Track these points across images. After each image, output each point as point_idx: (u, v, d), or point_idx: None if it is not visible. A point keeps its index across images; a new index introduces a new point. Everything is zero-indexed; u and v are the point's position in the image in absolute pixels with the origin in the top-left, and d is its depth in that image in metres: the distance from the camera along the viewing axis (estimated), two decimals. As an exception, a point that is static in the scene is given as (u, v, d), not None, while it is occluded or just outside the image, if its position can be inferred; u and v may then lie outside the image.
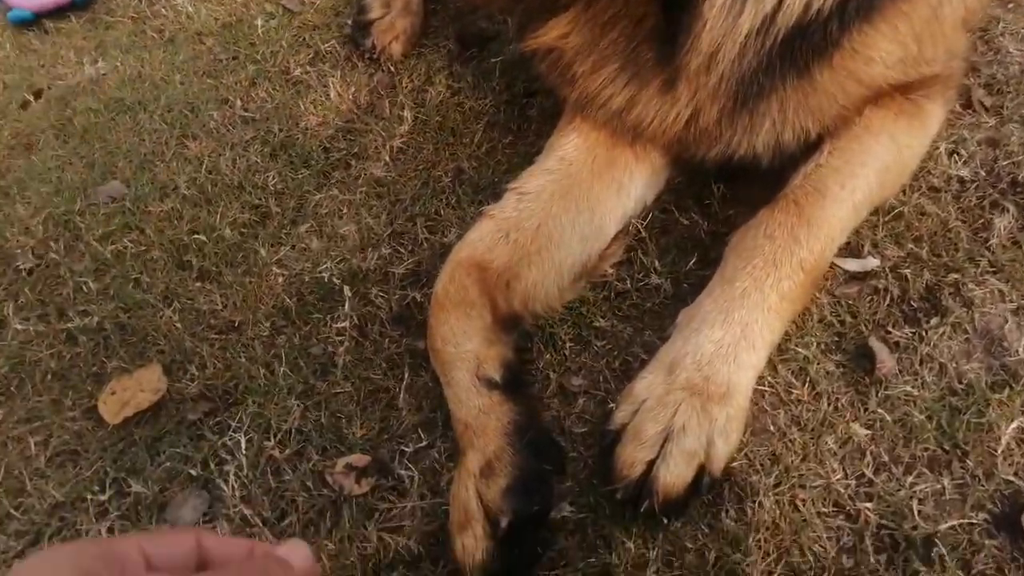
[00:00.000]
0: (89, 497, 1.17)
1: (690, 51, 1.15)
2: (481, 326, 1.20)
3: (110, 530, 1.13)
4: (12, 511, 1.17)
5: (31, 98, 2.00)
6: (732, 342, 1.13)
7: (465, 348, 1.18)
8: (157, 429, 1.25)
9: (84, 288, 1.49)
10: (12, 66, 2.13)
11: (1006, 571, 1.01)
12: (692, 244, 1.44)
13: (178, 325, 1.41)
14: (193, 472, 1.19)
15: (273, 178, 1.66)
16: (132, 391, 1.28)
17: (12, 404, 1.32)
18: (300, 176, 1.67)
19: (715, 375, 1.10)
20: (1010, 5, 1.69)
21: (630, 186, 1.40)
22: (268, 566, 0.60)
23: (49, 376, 1.35)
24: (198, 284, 1.48)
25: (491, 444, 1.10)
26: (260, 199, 1.62)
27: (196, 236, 1.55)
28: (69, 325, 1.43)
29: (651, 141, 1.33)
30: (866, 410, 1.18)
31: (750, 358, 1.13)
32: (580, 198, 1.33)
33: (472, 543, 1.02)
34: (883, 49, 1.22)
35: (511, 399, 1.16)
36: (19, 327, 1.44)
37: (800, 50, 1.16)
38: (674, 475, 1.04)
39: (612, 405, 1.19)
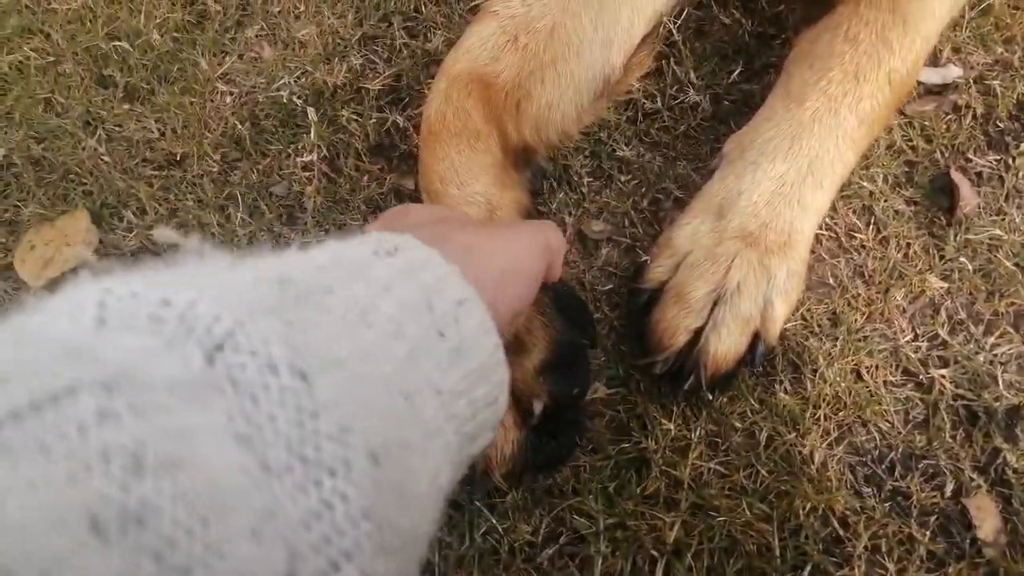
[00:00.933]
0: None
1: None
2: (490, 162, 0.94)
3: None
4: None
5: None
6: (797, 179, 0.90)
7: (472, 190, 0.92)
8: (91, 292, 1.03)
9: (-17, 112, 1.20)
10: None
11: (1105, 450, 0.88)
12: (734, 50, 1.17)
13: (106, 159, 1.14)
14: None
15: (207, -35, 1.32)
16: (56, 244, 1.05)
17: (-91, 261, 1.08)
18: (242, -38, 1.33)
19: (775, 220, 0.89)
20: None
21: None
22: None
23: (-49, 226, 1.10)
24: (126, 106, 1.19)
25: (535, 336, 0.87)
26: (193, -7, 1.30)
27: (117, 43, 1.24)
28: (-31, 160, 1.16)
29: None
30: (942, 258, 0.99)
31: (816, 199, 0.91)
32: None
33: (500, 434, 0.84)
34: None
35: None
36: (-94, 163, 1.16)
37: None
38: (726, 345, 0.86)
39: (644, 257, 0.99)
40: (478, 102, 0.95)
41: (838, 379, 0.92)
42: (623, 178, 1.08)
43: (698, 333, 0.88)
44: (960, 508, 0.86)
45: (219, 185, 1.11)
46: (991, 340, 0.94)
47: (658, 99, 1.12)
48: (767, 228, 0.90)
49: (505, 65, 0.97)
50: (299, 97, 1.16)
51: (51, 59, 1.24)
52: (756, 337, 0.89)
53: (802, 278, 0.93)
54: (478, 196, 0.92)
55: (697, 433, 0.90)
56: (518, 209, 0.95)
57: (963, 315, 0.96)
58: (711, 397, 0.91)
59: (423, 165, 0.96)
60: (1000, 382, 0.92)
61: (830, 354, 0.94)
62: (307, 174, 1.10)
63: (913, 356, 0.94)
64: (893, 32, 0.93)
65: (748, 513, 0.86)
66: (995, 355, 0.94)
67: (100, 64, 1.23)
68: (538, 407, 0.81)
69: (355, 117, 1.13)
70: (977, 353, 0.94)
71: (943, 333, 0.95)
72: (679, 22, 1.16)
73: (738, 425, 0.91)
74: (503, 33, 0.98)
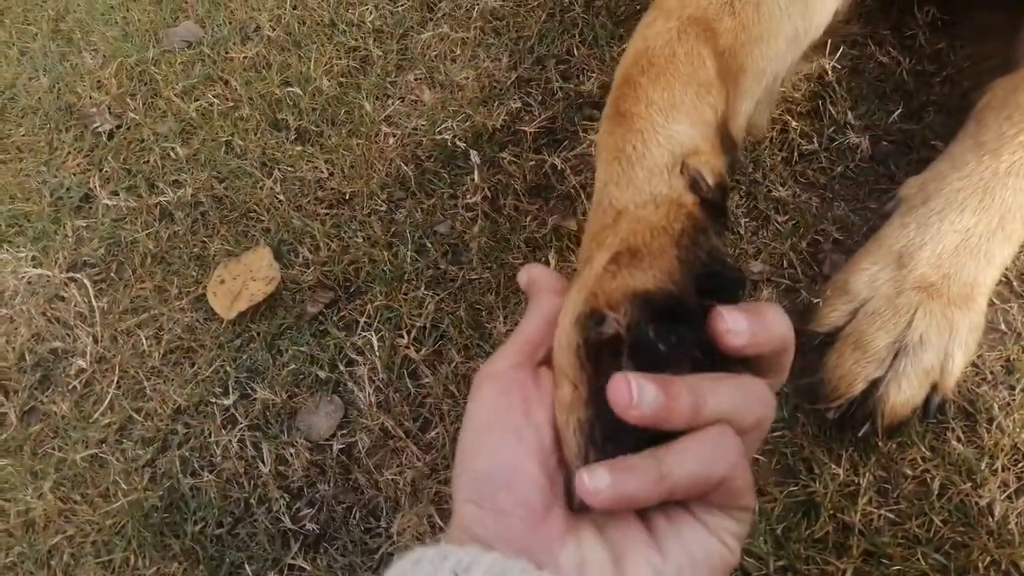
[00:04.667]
0: (213, 402, 1.07)
1: None
2: (712, 119, 0.79)
3: (240, 441, 1.03)
4: (134, 415, 1.08)
5: (80, -81, 1.73)
6: (986, 232, 0.89)
7: (677, 128, 0.75)
8: (275, 324, 1.11)
9: (172, 154, 1.32)
10: None
11: None
12: (891, 88, 1.16)
13: (281, 197, 1.23)
14: (321, 374, 1.06)
15: (370, 12, 1.41)
16: (243, 279, 1.13)
17: (115, 293, 1.19)
18: (400, 8, 1.41)
19: (959, 273, 0.89)
20: None
21: None
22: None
23: (149, 259, 1.21)
24: (298, 148, 1.28)
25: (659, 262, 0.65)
26: (357, 40, 1.38)
27: (290, 89, 1.34)
28: (162, 199, 1.27)
29: None
30: (1124, 304, 0.96)
31: (1003, 252, 0.90)
32: None
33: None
34: None
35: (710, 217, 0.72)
36: (108, 202, 1.28)
37: None
38: (905, 397, 0.86)
39: (805, 298, 0.99)
40: (712, 54, 0.83)
41: (1016, 429, 0.90)
42: (780, 219, 1.09)
43: (875, 382, 0.88)
44: None
45: (386, 223, 1.18)
46: None
47: (815, 139, 1.13)
48: (950, 280, 0.90)
49: (726, 28, 0.87)
50: (460, 139, 1.22)
51: (231, 104, 1.35)
52: (933, 388, 0.89)
53: (981, 330, 0.92)
54: (682, 135, 0.76)
55: (866, 479, 0.90)
56: (718, 173, 0.73)
57: None
58: (881, 444, 0.91)
59: (628, 90, 0.80)
60: None
61: (1006, 403, 0.92)
62: (470, 214, 1.16)
63: (1094, 406, 0.91)
64: None
65: (923, 563, 0.85)
66: None
67: (274, 109, 1.33)
68: None
69: (514, 159, 1.18)
70: None
71: None
72: (834, 61, 1.16)
73: (909, 472, 0.90)
74: None
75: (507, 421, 0.54)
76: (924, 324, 0.87)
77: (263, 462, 1.01)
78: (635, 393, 0.48)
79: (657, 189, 0.70)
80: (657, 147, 0.73)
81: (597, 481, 0.48)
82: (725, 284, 0.62)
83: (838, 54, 1.17)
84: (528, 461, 0.52)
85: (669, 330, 0.55)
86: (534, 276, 0.65)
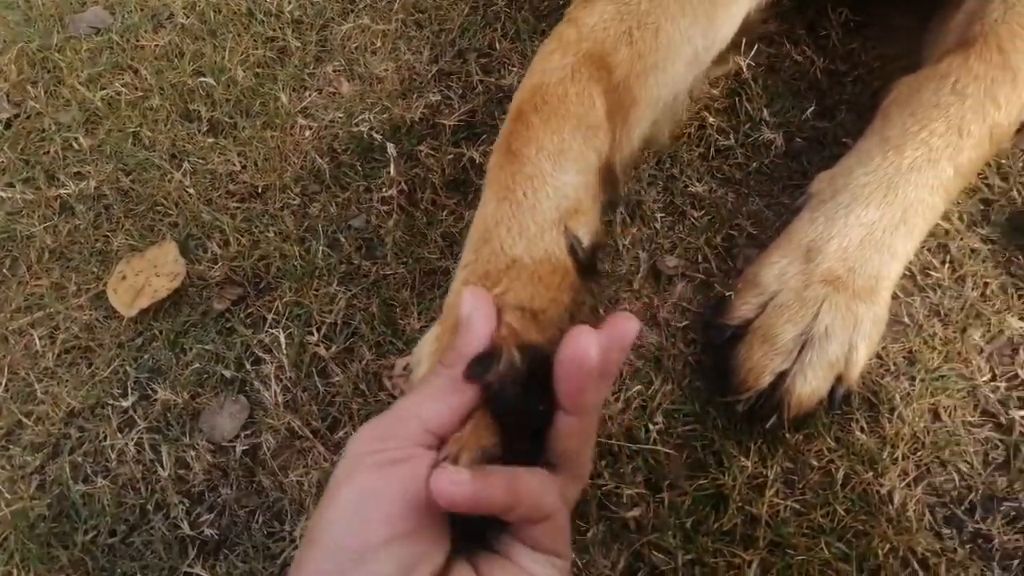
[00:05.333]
0: (110, 404, 1.02)
1: None
2: (595, 163, 0.85)
3: (138, 445, 0.98)
4: (23, 419, 1.02)
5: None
6: (890, 226, 0.90)
7: (564, 179, 0.82)
8: (179, 322, 1.07)
9: (75, 145, 1.26)
10: None
11: None
12: (806, 87, 1.18)
13: (191, 191, 1.19)
14: (227, 374, 1.02)
15: (288, 2, 1.37)
16: (146, 275, 1.09)
17: (7, 290, 1.13)
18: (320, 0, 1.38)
19: (864, 266, 0.90)
20: None
21: None
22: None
23: (46, 255, 1.16)
24: (210, 140, 1.24)
25: (549, 330, 0.76)
26: (275, 30, 1.35)
27: (203, 79, 1.29)
28: (62, 192, 1.21)
29: None
30: (1021, 297, 0.99)
31: (905, 247, 0.92)
32: None
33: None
34: None
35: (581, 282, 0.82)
36: (3, 194, 1.22)
37: None
38: (811, 388, 0.87)
39: (726, 292, 1.00)
40: (603, 93, 0.88)
41: (916, 419, 0.92)
42: (696, 214, 1.09)
43: (782, 374, 0.89)
44: (1045, 553, 0.86)
45: (299, 217, 1.15)
46: (1074, 382, 0.94)
47: (731, 135, 1.13)
48: (855, 273, 0.91)
49: (620, 59, 0.91)
50: (378, 132, 1.19)
51: (140, 94, 1.30)
52: (838, 380, 0.90)
53: (885, 322, 0.93)
54: (568, 188, 0.82)
55: (774, 471, 0.90)
56: (593, 231, 0.84)
57: (1044, 356, 0.96)
58: (788, 435, 0.91)
59: (520, 130, 0.85)
60: (1084, 426, 0.91)
61: (907, 394, 0.94)
62: (385, 208, 1.13)
63: (992, 396, 0.93)
64: (1002, 88, 0.93)
65: (827, 552, 0.86)
66: (1078, 397, 0.93)
67: (186, 99, 1.29)
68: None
69: (432, 152, 1.16)
70: (1059, 395, 0.93)
71: (1022, 373, 0.95)
72: (749, 58, 1.17)
73: (815, 463, 0.91)
74: (621, 21, 0.93)
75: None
76: (830, 316, 0.88)
77: (162, 466, 0.97)
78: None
79: (550, 248, 0.79)
80: (547, 199, 0.81)
81: (462, 474, 0.49)
82: None
83: (753, 51, 1.18)
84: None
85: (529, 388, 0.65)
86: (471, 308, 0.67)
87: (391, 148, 1.16)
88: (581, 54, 0.89)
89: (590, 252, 0.83)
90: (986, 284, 1.00)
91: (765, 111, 1.14)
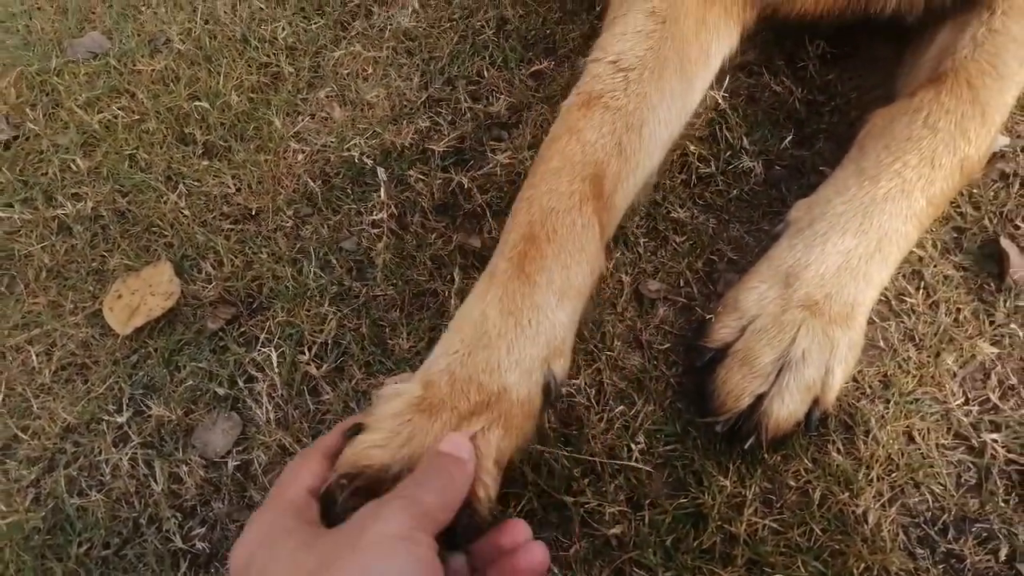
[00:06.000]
0: (105, 419, 1.04)
1: None
2: (587, 295, 0.95)
3: (132, 460, 1.00)
4: (20, 434, 1.04)
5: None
6: (865, 254, 0.94)
7: (561, 317, 0.91)
8: (173, 340, 1.09)
9: (72, 166, 1.29)
10: None
11: None
12: (784, 116, 1.22)
13: (186, 212, 1.22)
14: (220, 391, 1.04)
15: (283, 29, 1.41)
16: (141, 294, 1.11)
17: (4, 307, 1.15)
18: (314, 27, 1.41)
19: (840, 292, 0.93)
20: None
21: (716, 54, 1.14)
22: (450, 466, 0.71)
23: (44, 274, 1.18)
24: (204, 162, 1.27)
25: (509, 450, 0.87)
26: (269, 56, 1.38)
27: (198, 103, 1.32)
28: (59, 212, 1.23)
29: (799, 12, 1.10)
30: (993, 323, 1.02)
31: (880, 274, 0.95)
32: (673, 76, 1.07)
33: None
34: None
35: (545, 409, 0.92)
36: (2, 214, 1.24)
37: None
38: (788, 411, 0.90)
39: (700, 315, 1.03)
40: (595, 212, 0.97)
41: (890, 441, 0.95)
42: (678, 239, 1.12)
43: (761, 396, 0.92)
44: (1015, 573, 0.88)
45: (291, 239, 1.18)
46: (1043, 405, 0.97)
47: (712, 163, 1.17)
48: (832, 299, 0.94)
49: (612, 172, 1.00)
50: (369, 157, 1.22)
51: (136, 117, 1.33)
52: (815, 403, 0.93)
53: (860, 347, 0.96)
54: (561, 329, 0.91)
55: (752, 490, 0.93)
56: (564, 370, 0.93)
57: (1014, 380, 0.99)
58: (766, 456, 0.94)
59: (536, 252, 0.93)
60: (1052, 447, 0.94)
61: (882, 416, 0.97)
62: (376, 231, 1.16)
63: (964, 420, 0.96)
64: (972, 123, 0.97)
65: (804, 570, 0.88)
66: (1047, 420, 0.96)
67: (181, 123, 1.32)
68: None
69: (421, 177, 1.19)
70: (1029, 418, 0.96)
71: (994, 398, 0.98)
72: (724, 87, 1.21)
73: (792, 483, 0.94)
74: (613, 133, 1.01)
75: None
76: (807, 341, 0.91)
77: (155, 480, 0.98)
78: None
79: (532, 390, 0.87)
80: (544, 333, 0.89)
81: None
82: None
83: (733, 83, 1.22)
84: None
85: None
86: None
87: (381, 172, 1.19)
88: (587, 180, 0.97)
89: (558, 391, 0.91)
90: (959, 310, 1.03)
91: (745, 140, 1.18)
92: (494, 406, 0.84)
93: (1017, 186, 1.11)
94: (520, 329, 0.88)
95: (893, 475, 0.93)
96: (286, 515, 0.67)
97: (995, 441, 0.95)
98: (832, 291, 0.94)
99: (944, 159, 0.96)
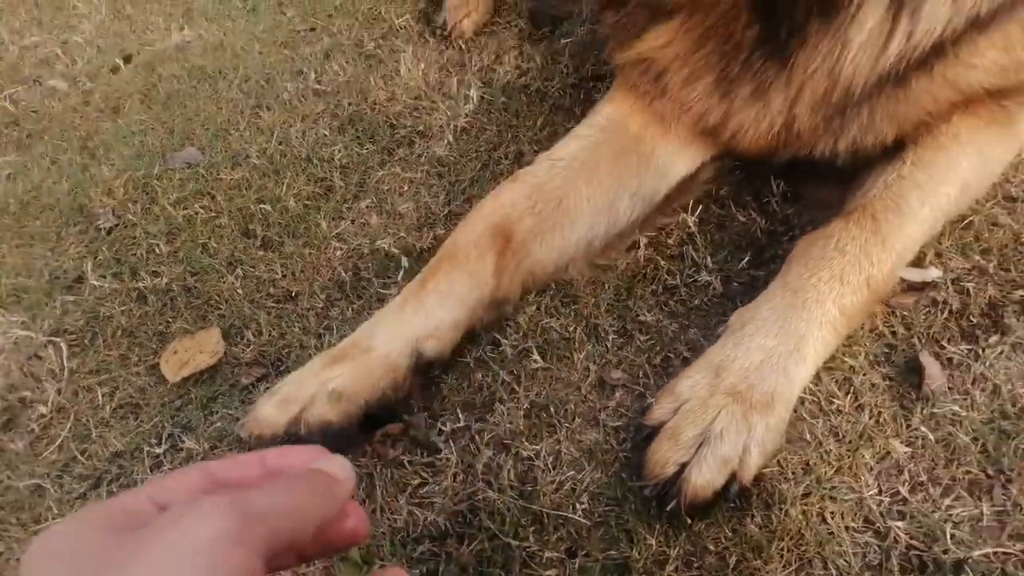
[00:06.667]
0: (146, 449, 1.25)
1: (809, 68, 1.15)
2: (475, 304, 1.25)
3: (163, 482, 1.21)
4: (78, 455, 1.26)
5: (121, 63, 2.10)
6: (784, 353, 1.11)
7: (439, 314, 1.24)
8: (212, 390, 1.32)
9: (156, 250, 1.58)
10: (106, 31, 2.23)
11: (1038, 606, 0.98)
12: (747, 242, 1.42)
13: (239, 291, 1.47)
14: (243, 434, 1.25)
15: (339, 152, 1.71)
16: (192, 352, 1.35)
17: (84, 356, 1.41)
18: (365, 151, 1.71)
19: (761, 384, 1.09)
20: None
21: (670, 167, 1.39)
22: (314, 478, 0.56)
23: (119, 332, 1.44)
24: (260, 252, 1.54)
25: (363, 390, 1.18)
26: (325, 172, 1.67)
27: (262, 206, 1.61)
28: (140, 284, 1.51)
29: (740, 150, 1.34)
30: (909, 427, 1.15)
31: (799, 371, 1.12)
32: (608, 172, 1.35)
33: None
34: (988, 57, 1.17)
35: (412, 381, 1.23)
36: (96, 283, 1.53)
37: (909, 62, 1.13)
38: (705, 479, 1.05)
39: (651, 400, 1.19)
40: (496, 256, 1.27)
41: (803, 519, 1.07)
42: (642, 338, 1.31)
43: (684, 465, 1.07)
44: (900, 642, 0.98)
45: (320, 317, 1.41)
46: (947, 501, 1.08)
47: (678, 276, 1.36)
48: (754, 389, 1.11)
49: (524, 227, 1.30)
50: (395, 247, 1.47)
51: (213, 214, 1.63)
52: (733, 477, 1.07)
53: (781, 433, 1.11)
54: (435, 320, 1.24)
55: (676, 551, 1.06)
56: (443, 351, 1.25)
57: (924, 477, 1.11)
58: (690, 521, 1.08)
59: (436, 267, 1.27)
60: (950, 538, 1.04)
61: (799, 497, 1.09)
62: (389, 314, 1.38)
63: (875, 508, 1.08)
64: (874, 248, 1.16)
65: (712, 624, 1.00)
66: (950, 515, 1.07)
67: (247, 220, 1.60)
68: None
69: (433, 273, 1.42)
70: (933, 511, 1.07)
71: (904, 491, 1.10)
72: (697, 215, 1.42)
73: (712, 548, 1.07)
74: (528, 199, 1.31)
75: None
76: (725, 421, 1.07)
77: (178, 501, 1.18)
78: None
79: (397, 351, 1.22)
80: (418, 321, 1.23)
81: None
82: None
83: (703, 211, 1.43)
84: None
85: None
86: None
87: (405, 260, 1.43)
88: (490, 225, 1.28)
89: (426, 365, 1.24)
90: (880, 413, 1.17)
91: (709, 259, 1.38)
92: (359, 356, 1.18)
93: (946, 312, 1.26)
94: (399, 315, 1.24)
95: (802, 548, 1.06)
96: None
97: (899, 528, 1.06)
98: (755, 382, 1.11)
99: (851, 276, 1.14)
